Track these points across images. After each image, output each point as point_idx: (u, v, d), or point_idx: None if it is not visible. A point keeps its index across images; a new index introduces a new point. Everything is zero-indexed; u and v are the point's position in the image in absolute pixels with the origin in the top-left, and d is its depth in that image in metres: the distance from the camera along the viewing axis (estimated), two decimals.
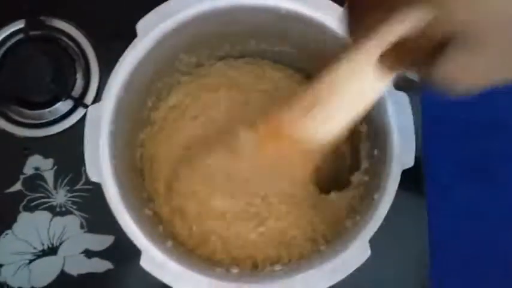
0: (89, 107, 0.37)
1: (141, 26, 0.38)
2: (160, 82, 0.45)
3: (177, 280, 0.36)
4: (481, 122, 0.65)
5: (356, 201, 0.43)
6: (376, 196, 0.37)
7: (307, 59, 0.45)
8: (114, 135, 0.37)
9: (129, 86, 0.38)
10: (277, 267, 0.40)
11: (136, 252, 0.54)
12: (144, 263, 0.36)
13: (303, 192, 0.44)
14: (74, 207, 0.56)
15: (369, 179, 0.42)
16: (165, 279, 0.36)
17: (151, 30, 0.38)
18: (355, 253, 0.36)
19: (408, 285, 0.53)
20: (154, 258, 0.36)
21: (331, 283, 0.36)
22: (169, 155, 0.45)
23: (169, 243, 0.39)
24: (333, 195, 0.43)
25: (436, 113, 0.56)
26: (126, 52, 0.38)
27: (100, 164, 0.36)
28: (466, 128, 0.64)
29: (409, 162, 0.37)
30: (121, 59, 0.38)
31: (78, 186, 0.56)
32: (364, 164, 0.43)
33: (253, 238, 0.43)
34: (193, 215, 0.43)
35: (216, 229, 0.43)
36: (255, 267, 0.41)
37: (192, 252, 0.42)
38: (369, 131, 0.43)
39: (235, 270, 0.39)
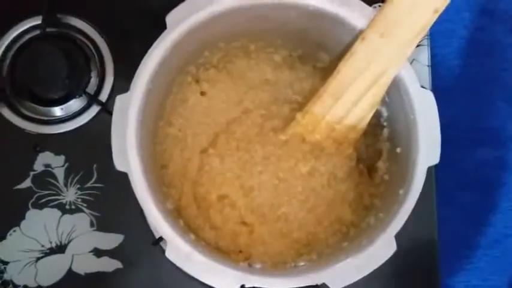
0: (117, 97, 0.37)
1: (170, 18, 0.38)
2: (183, 75, 0.45)
3: (203, 272, 0.35)
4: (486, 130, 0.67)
5: (377, 200, 0.43)
6: (401, 192, 0.38)
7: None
8: (141, 125, 0.37)
9: (156, 77, 0.38)
10: (301, 263, 0.40)
11: (146, 252, 0.54)
12: (170, 254, 0.35)
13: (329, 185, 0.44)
14: (84, 205, 0.56)
15: (389, 178, 0.42)
16: (191, 271, 0.35)
17: (181, 23, 0.38)
18: (381, 248, 0.36)
19: None
20: (180, 249, 0.35)
21: (358, 278, 0.36)
22: (195, 146, 0.45)
23: (192, 236, 0.39)
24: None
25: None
26: (155, 43, 0.38)
27: (127, 153, 0.36)
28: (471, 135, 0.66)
29: (435, 159, 0.37)
30: (150, 50, 0.38)
31: (88, 184, 0.56)
32: (385, 164, 0.43)
33: (277, 234, 0.43)
34: (219, 207, 0.43)
35: (244, 225, 0.43)
36: (275, 264, 0.41)
37: (214, 248, 0.42)
38: (390, 131, 0.43)
39: (258, 265, 0.39)
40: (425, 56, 0.55)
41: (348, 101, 0.41)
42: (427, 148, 0.37)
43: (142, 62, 0.38)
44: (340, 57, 0.43)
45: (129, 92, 0.37)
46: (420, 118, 0.38)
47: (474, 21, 0.68)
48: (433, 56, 0.56)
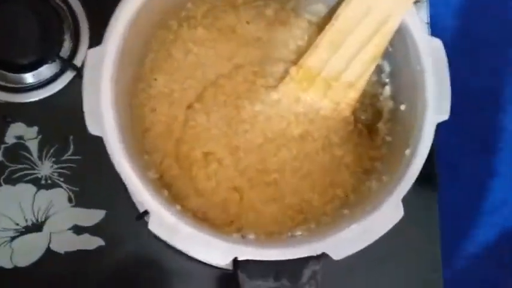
0: (89, 50, 0.33)
1: None
2: (165, 31, 0.41)
3: (190, 245, 0.32)
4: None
5: (378, 163, 0.40)
6: (407, 152, 0.34)
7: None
8: (116, 83, 0.33)
9: (132, 28, 0.34)
10: (298, 233, 0.36)
11: (129, 228, 0.51)
12: (153, 226, 0.32)
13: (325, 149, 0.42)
14: (61, 179, 0.52)
15: (392, 139, 0.39)
16: (177, 244, 0.32)
17: None
18: (388, 213, 0.33)
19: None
20: (164, 220, 0.32)
21: (363, 246, 0.32)
22: (175, 113, 0.41)
23: (178, 207, 0.35)
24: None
25: None
26: None
27: (102, 115, 0.32)
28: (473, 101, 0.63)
29: (444, 114, 0.34)
30: None
31: (65, 157, 0.53)
32: (386, 124, 0.40)
33: (268, 199, 0.40)
34: (207, 171, 0.39)
35: (235, 190, 0.41)
36: (270, 234, 0.38)
37: (202, 219, 0.38)
38: (393, 88, 0.40)
39: (251, 236, 0.36)
40: (424, 14, 0.52)
41: (346, 53, 0.38)
42: (436, 102, 0.34)
43: (116, 11, 0.34)
44: (337, 8, 0.39)
45: (102, 45, 0.33)
46: (428, 69, 0.35)
47: None
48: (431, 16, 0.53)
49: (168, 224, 0.32)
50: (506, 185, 0.63)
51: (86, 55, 0.33)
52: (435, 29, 0.53)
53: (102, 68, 0.33)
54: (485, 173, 0.63)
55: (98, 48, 0.33)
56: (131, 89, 0.39)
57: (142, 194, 0.32)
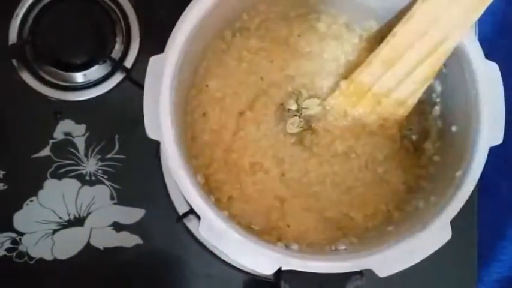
0: (151, 58, 0.34)
1: None
2: (219, 40, 0.42)
3: (238, 251, 0.33)
4: None
5: (425, 182, 0.40)
6: (458, 174, 0.34)
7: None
8: (175, 91, 0.34)
9: (192, 39, 0.35)
10: (341, 247, 0.37)
11: (168, 228, 0.52)
12: (203, 230, 0.32)
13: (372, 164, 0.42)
14: (105, 176, 0.54)
15: (441, 159, 0.39)
16: (226, 250, 0.33)
17: None
18: (436, 233, 0.33)
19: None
20: (214, 225, 0.32)
21: (410, 264, 0.33)
22: (226, 120, 0.42)
23: (226, 213, 0.36)
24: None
25: None
26: (191, 3, 0.35)
27: (160, 120, 0.33)
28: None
29: (498, 138, 0.34)
30: (187, 10, 0.35)
31: (110, 155, 0.54)
32: (435, 144, 0.40)
33: (308, 209, 0.41)
34: (253, 179, 0.40)
35: (277, 199, 0.41)
36: (311, 245, 0.38)
37: (245, 225, 0.39)
38: (443, 108, 0.40)
39: (294, 247, 0.36)
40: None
41: (400, 71, 0.38)
42: (490, 126, 0.34)
43: (179, 22, 0.34)
44: (390, 25, 0.39)
45: (164, 53, 0.34)
46: (484, 93, 0.34)
47: None
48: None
49: (218, 230, 0.33)
50: None
51: (148, 62, 0.34)
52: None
53: (163, 76, 0.33)
54: None
55: (159, 56, 0.34)
56: (186, 97, 0.40)
57: (195, 198, 0.33)
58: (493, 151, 0.60)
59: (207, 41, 0.40)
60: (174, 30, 0.35)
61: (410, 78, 0.38)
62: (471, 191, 0.33)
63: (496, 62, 0.35)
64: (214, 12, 0.36)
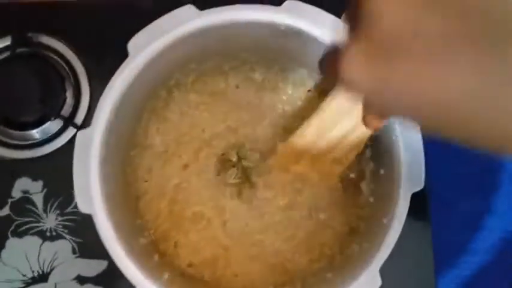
0: (78, 133, 0.35)
1: (132, 45, 0.36)
2: (155, 100, 0.43)
3: None
4: None
5: (363, 223, 0.41)
6: (385, 221, 0.35)
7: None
8: (106, 162, 0.35)
9: (120, 108, 0.36)
10: None
11: None
12: None
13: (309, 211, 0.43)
14: (65, 231, 0.54)
15: (374, 201, 0.40)
16: None
17: (143, 50, 0.35)
18: (366, 283, 0.34)
19: None
20: None
21: None
22: (170, 173, 0.43)
23: (166, 275, 0.37)
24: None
25: None
26: (116, 73, 0.36)
27: (90, 195, 0.34)
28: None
29: (419, 185, 0.35)
30: (111, 81, 0.36)
31: (69, 209, 0.54)
32: (369, 186, 0.41)
33: (253, 258, 0.42)
34: (197, 228, 0.41)
35: (222, 247, 0.42)
36: None
37: (194, 283, 0.40)
38: (373, 151, 0.41)
39: None
40: None
41: (333, 138, 0.39)
42: (410, 172, 0.35)
43: (103, 94, 0.35)
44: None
45: (90, 127, 0.34)
46: (402, 140, 0.35)
47: None
48: None
49: None
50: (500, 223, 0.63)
51: (76, 136, 0.35)
52: None
53: (90, 149, 0.34)
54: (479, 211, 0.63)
55: (86, 130, 0.35)
56: (124, 158, 0.41)
57: (128, 268, 0.34)
58: (451, 168, 0.61)
59: (141, 102, 0.41)
60: (99, 102, 0.36)
61: (345, 141, 0.39)
62: (396, 239, 0.34)
63: None
64: (141, 79, 0.37)
